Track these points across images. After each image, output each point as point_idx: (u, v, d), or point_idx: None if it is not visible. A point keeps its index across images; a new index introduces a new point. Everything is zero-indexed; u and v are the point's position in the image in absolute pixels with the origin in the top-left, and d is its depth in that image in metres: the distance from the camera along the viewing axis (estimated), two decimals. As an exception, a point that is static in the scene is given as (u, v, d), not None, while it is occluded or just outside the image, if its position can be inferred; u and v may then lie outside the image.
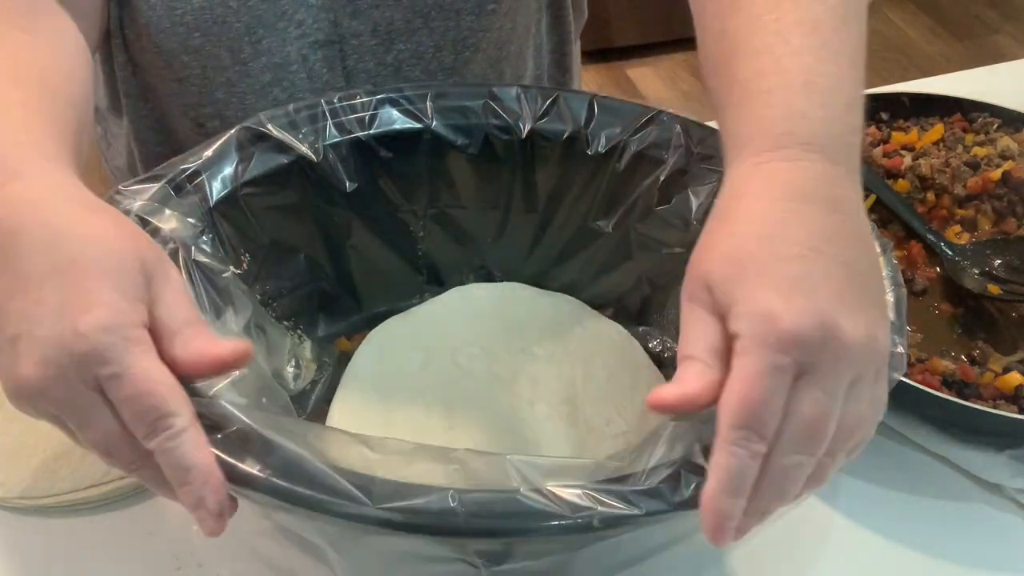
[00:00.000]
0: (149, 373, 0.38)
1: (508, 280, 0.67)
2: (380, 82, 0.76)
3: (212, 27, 0.71)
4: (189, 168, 0.53)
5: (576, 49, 0.92)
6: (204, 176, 0.53)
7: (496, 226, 0.65)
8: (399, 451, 0.40)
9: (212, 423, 0.39)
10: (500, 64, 0.81)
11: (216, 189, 0.53)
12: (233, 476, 0.38)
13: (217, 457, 0.38)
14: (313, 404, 0.60)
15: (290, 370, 0.58)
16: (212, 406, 0.40)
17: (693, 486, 0.38)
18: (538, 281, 0.67)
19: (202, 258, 0.50)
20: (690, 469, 0.38)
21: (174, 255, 0.48)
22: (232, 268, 0.53)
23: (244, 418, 0.39)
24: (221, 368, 0.41)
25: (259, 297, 0.58)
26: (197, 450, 0.38)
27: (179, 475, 0.38)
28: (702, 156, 0.57)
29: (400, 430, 0.56)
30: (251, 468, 0.38)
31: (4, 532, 0.57)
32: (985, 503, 0.60)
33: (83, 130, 0.55)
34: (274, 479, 0.37)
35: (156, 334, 0.40)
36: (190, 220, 0.50)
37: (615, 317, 0.65)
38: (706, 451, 0.38)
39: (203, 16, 0.70)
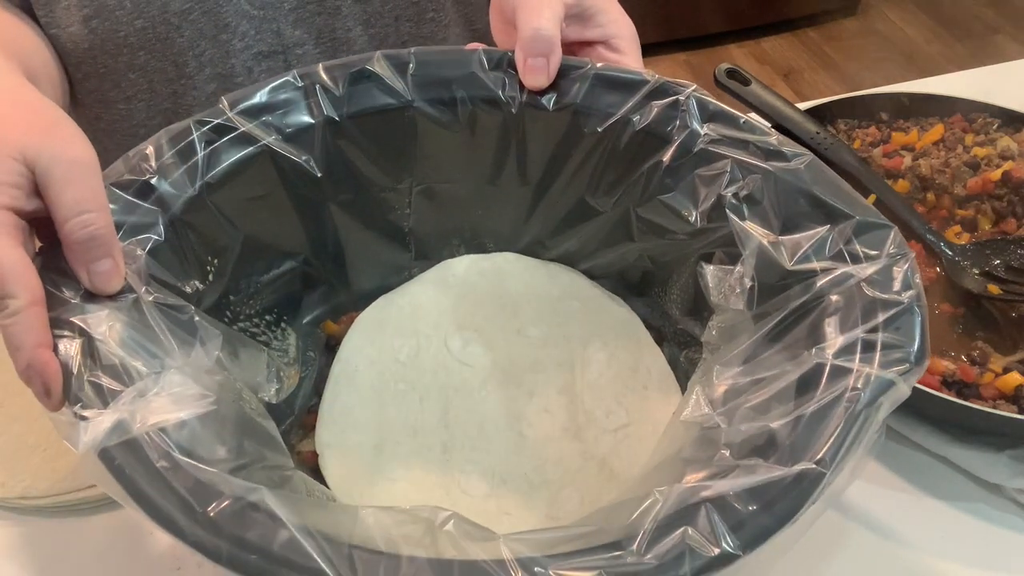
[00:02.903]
0: None
1: (503, 251, 0.64)
2: None
3: (156, 44, 0.71)
4: (145, 176, 0.48)
5: None
6: (163, 184, 0.49)
7: (487, 198, 0.60)
8: (386, 522, 0.37)
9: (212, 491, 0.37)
10: None
11: (176, 195, 0.49)
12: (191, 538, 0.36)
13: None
14: (300, 401, 0.58)
15: (272, 385, 0.55)
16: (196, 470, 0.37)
17: (701, 558, 0.36)
18: (534, 252, 0.63)
19: (158, 296, 0.45)
20: (696, 541, 0.36)
21: (134, 301, 0.44)
22: (195, 284, 0.49)
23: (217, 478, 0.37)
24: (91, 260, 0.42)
25: (234, 297, 0.55)
26: (28, 332, 0.40)
27: (12, 353, 0.40)
28: (710, 139, 0.52)
29: (394, 428, 0.56)
30: (220, 540, 0.35)
31: (4, 532, 0.57)
32: (985, 503, 0.60)
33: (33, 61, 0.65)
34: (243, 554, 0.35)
35: (52, 214, 0.42)
36: (139, 253, 0.46)
37: (614, 288, 0.62)
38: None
39: (146, 35, 0.71)
